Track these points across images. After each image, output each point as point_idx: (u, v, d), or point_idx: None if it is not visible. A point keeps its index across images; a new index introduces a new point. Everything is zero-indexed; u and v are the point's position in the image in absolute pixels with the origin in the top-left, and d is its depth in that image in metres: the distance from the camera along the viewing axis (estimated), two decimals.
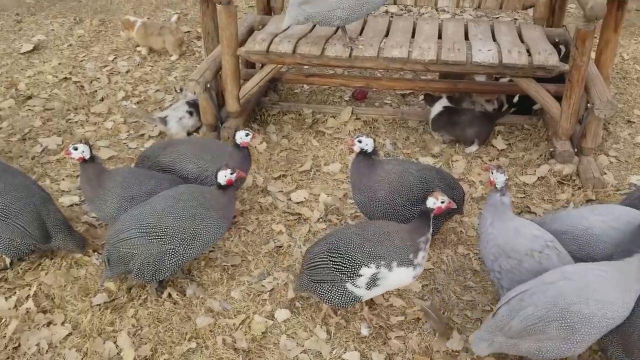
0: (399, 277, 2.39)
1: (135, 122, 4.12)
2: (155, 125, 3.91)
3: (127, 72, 4.82)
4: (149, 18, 5.71)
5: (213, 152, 3.11)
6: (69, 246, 2.86)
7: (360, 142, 2.80)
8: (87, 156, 2.80)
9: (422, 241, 2.38)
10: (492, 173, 2.52)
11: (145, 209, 2.61)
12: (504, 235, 2.45)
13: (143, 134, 3.99)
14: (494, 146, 3.81)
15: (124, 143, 3.90)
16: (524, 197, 3.39)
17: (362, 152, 2.83)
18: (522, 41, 3.62)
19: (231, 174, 2.67)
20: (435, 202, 2.41)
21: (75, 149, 2.78)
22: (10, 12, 5.91)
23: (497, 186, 2.51)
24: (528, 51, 3.46)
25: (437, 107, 3.85)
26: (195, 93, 3.57)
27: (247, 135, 3.03)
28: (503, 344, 2.25)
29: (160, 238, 2.55)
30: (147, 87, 4.59)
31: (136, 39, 5.09)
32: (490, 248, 2.48)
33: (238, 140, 3.04)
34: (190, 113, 3.89)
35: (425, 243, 2.39)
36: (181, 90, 4.14)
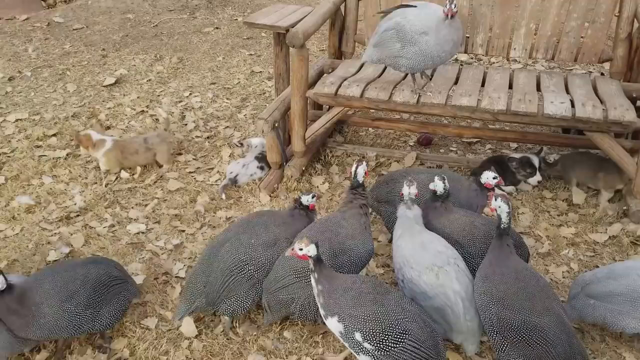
0: None
1: (204, 156, 4.26)
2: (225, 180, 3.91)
3: (200, 107, 5.01)
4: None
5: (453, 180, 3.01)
6: None
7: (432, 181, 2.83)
8: (3, 287, 2.34)
9: None
10: (404, 186, 2.70)
11: None
12: (410, 248, 2.58)
13: (212, 168, 4.11)
14: (563, 200, 3.68)
15: (192, 176, 4.03)
16: (593, 256, 3.24)
17: (434, 194, 2.85)
18: (597, 95, 3.52)
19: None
20: None
21: None
22: (97, 47, 6.31)
23: (404, 199, 2.71)
24: (603, 105, 3.36)
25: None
26: (263, 131, 3.66)
27: (494, 178, 2.97)
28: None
29: None
30: (218, 124, 4.75)
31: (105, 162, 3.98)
32: (397, 258, 2.62)
33: (483, 180, 3.01)
34: (262, 168, 3.96)
35: None
36: (241, 144, 4.19)
